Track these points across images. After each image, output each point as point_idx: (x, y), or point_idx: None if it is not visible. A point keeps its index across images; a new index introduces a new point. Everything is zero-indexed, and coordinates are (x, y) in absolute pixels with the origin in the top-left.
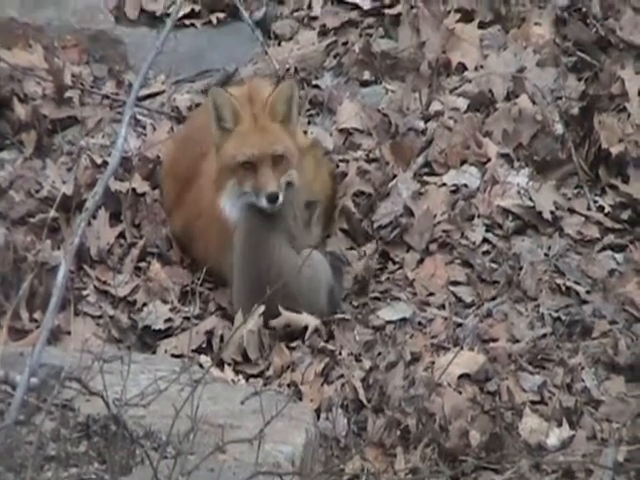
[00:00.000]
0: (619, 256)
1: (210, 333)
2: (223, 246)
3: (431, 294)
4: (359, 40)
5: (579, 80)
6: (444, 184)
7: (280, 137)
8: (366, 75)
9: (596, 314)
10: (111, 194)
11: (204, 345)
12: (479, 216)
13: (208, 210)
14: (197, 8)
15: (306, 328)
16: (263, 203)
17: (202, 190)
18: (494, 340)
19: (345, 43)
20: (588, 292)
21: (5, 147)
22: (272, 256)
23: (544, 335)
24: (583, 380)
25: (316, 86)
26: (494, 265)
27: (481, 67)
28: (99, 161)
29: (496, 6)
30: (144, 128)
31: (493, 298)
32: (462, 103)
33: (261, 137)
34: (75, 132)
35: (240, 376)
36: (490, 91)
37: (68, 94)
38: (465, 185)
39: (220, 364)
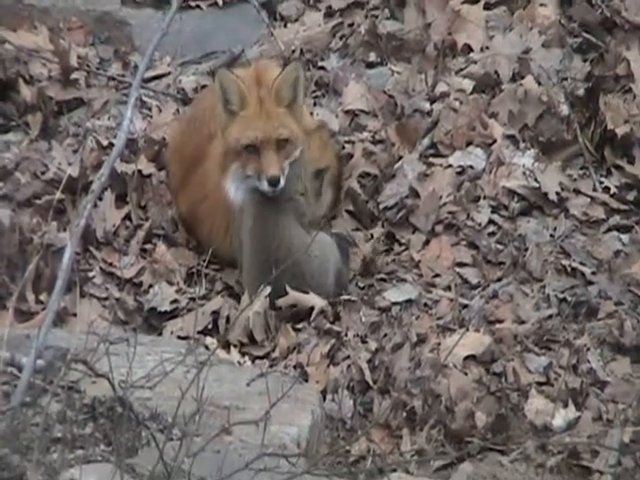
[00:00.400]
0: (625, 237)
1: (216, 313)
2: (228, 228)
3: (437, 275)
4: (365, 21)
5: (584, 61)
6: (450, 165)
7: (285, 121)
8: (372, 56)
9: (602, 295)
10: (117, 176)
11: (210, 326)
12: (485, 197)
13: (213, 192)
14: None
15: (312, 309)
16: (264, 186)
17: (207, 172)
18: (500, 321)
19: (351, 24)
20: (594, 273)
21: (11, 129)
22: (282, 236)
23: (550, 316)
24: (589, 361)
25: (322, 67)
26: (500, 246)
27: (487, 48)
28: (105, 143)
29: None
30: (150, 110)
31: (499, 279)
32: (468, 84)
33: (266, 121)
34: (81, 114)
35: (246, 357)
36: (496, 72)
37: (74, 76)
38: (471, 166)
39: (226, 346)
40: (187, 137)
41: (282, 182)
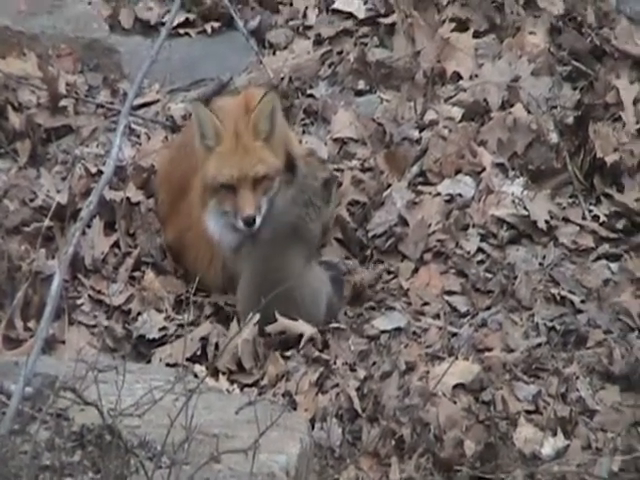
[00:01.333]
0: (614, 265)
1: (205, 340)
2: (212, 258)
3: (426, 303)
4: (354, 49)
5: (574, 89)
6: (439, 193)
7: (262, 156)
8: (361, 84)
9: (591, 323)
10: (105, 203)
11: (199, 353)
12: (474, 225)
13: (197, 223)
14: (192, 17)
15: (301, 336)
16: (240, 225)
17: (192, 203)
18: (489, 350)
19: (340, 52)
20: (583, 301)
21: None
22: (289, 270)
23: (539, 344)
24: (578, 390)
25: (311, 95)
26: (489, 275)
27: (476, 76)
28: (94, 170)
29: (491, 15)
30: (138, 137)
31: (488, 308)
32: (457, 112)
33: (242, 158)
34: (69, 141)
35: (235, 385)
36: (485, 100)
37: (62, 103)
38: (460, 194)
39: (215, 373)
40: (176, 165)
41: (258, 221)
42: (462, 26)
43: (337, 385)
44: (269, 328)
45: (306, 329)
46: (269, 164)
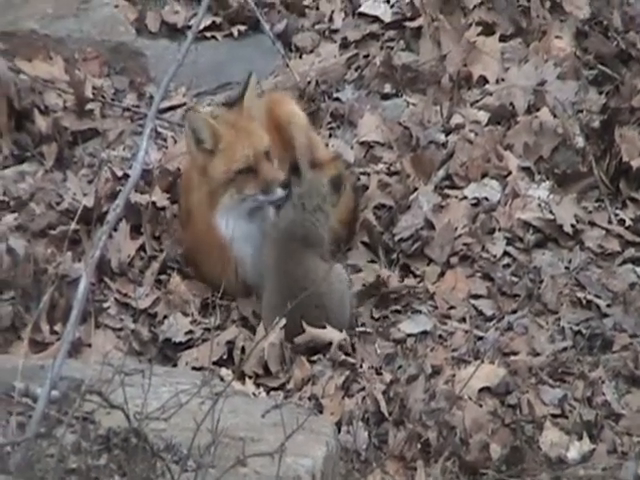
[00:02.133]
0: None
1: (231, 344)
2: (225, 265)
3: (452, 307)
4: (380, 53)
5: (600, 93)
6: (465, 197)
7: (263, 133)
8: (387, 88)
9: (617, 327)
10: (132, 207)
11: (225, 357)
12: (500, 229)
13: (207, 230)
14: (218, 20)
15: (330, 343)
16: (277, 194)
17: (198, 213)
18: (515, 353)
19: (366, 56)
20: (609, 305)
21: (26, 159)
22: (307, 268)
23: (565, 348)
24: (603, 393)
25: (337, 99)
26: (515, 278)
27: (502, 80)
28: (120, 173)
29: (517, 19)
30: (165, 141)
31: (514, 311)
32: (483, 116)
33: (249, 138)
34: (96, 144)
35: (261, 389)
36: (511, 104)
37: (89, 106)
38: (486, 198)
39: (241, 377)
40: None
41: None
42: (488, 30)
43: (363, 389)
44: (298, 339)
45: (335, 336)
46: (268, 138)
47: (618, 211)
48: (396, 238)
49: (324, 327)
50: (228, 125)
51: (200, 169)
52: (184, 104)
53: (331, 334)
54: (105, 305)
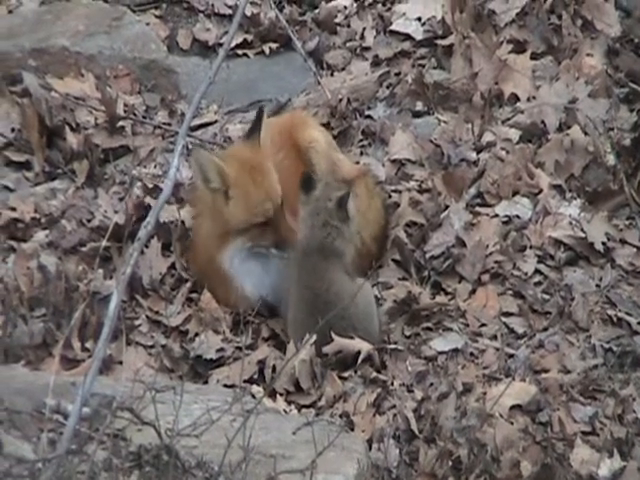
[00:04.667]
0: None
1: (262, 363)
2: (227, 296)
3: (483, 325)
4: (412, 71)
5: (631, 111)
6: (496, 215)
7: (276, 180)
8: (419, 106)
9: None
10: (162, 224)
11: (256, 375)
12: (531, 247)
13: (211, 262)
14: (250, 38)
15: (359, 354)
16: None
17: (204, 243)
18: (546, 371)
19: (398, 74)
20: (639, 323)
21: (57, 176)
22: (330, 283)
23: (595, 366)
24: (634, 411)
25: (369, 116)
26: (546, 296)
27: (533, 98)
28: (151, 190)
29: (548, 37)
30: None
31: (545, 329)
32: (514, 134)
33: (266, 189)
34: (127, 161)
35: (292, 406)
36: (542, 122)
37: (120, 123)
38: (517, 216)
39: (272, 394)
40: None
41: None
42: (520, 48)
43: (394, 406)
44: (326, 349)
45: (363, 346)
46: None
47: None
48: (427, 255)
49: (352, 338)
50: (240, 165)
51: (208, 206)
52: (215, 122)
53: (359, 345)
54: (136, 322)
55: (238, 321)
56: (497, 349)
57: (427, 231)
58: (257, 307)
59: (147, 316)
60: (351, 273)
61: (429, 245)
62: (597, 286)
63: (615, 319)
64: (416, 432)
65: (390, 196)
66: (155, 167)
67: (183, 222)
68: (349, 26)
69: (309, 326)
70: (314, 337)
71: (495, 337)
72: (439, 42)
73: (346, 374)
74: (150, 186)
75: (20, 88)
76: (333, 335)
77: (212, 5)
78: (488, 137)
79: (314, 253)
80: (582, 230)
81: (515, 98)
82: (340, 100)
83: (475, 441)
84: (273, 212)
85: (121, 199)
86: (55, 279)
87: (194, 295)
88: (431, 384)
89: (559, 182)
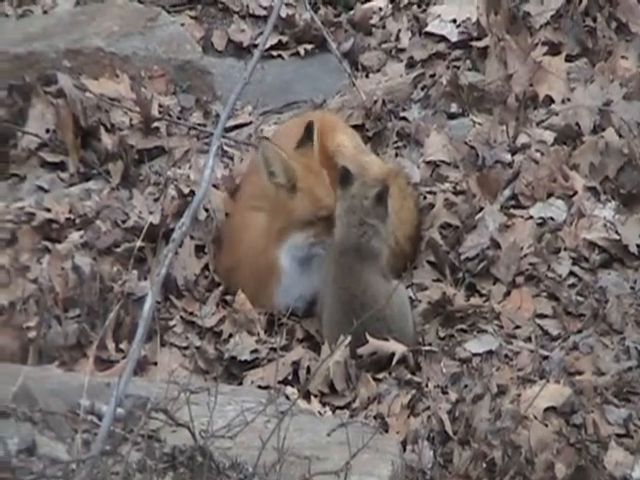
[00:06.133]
0: None
1: (296, 364)
2: (262, 294)
3: (517, 327)
4: (446, 72)
5: None
6: (531, 217)
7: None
8: (453, 107)
9: None
10: (197, 225)
11: (290, 376)
12: (565, 249)
13: (261, 256)
14: (284, 39)
15: (393, 355)
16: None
17: (257, 235)
18: (580, 373)
19: (432, 75)
20: None
21: (92, 177)
22: (367, 283)
23: (630, 368)
24: None
25: (403, 118)
26: (580, 298)
27: (568, 100)
28: (186, 191)
29: (583, 39)
30: (231, 159)
31: (579, 331)
32: (549, 136)
33: (328, 186)
34: (162, 162)
35: (327, 408)
36: (577, 124)
37: (155, 124)
38: (551, 218)
39: (307, 396)
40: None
41: None
42: (554, 50)
43: (429, 408)
44: (361, 350)
45: (397, 348)
46: None
47: None
48: (462, 257)
49: (387, 340)
50: (301, 162)
51: (271, 198)
52: (250, 123)
53: (394, 346)
54: (171, 323)
55: (272, 322)
56: (531, 351)
57: (462, 233)
58: (292, 308)
59: (181, 317)
60: (387, 274)
61: (464, 247)
62: (631, 288)
63: None
64: (450, 434)
65: (425, 197)
66: (190, 168)
67: (217, 225)
68: (384, 27)
69: (344, 327)
70: (349, 338)
71: (529, 339)
72: (474, 44)
73: (380, 376)
74: (185, 187)
75: (55, 89)
76: (368, 337)
77: (247, 6)
78: (523, 139)
79: (350, 253)
80: (616, 232)
81: (550, 100)
82: (375, 102)
83: (509, 443)
84: (334, 207)
85: (156, 200)
86: (89, 280)
87: (228, 296)
88: (465, 386)
89: (594, 184)
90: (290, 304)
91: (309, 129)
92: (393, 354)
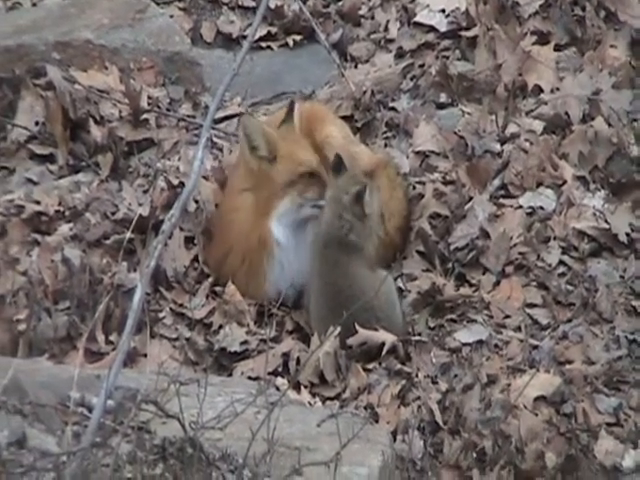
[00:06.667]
0: None
1: (286, 355)
2: (257, 271)
3: (507, 316)
4: (435, 62)
5: None
6: (520, 206)
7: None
8: (442, 97)
9: None
10: (186, 216)
11: (280, 368)
12: (555, 238)
13: (251, 235)
14: (273, 30)
15: (383, 345)
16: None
17: (245, 215)
18: (570, 362)
19: (422, 65)
20: None
21: (81, 169)
22: (352, 275)
23: (620, 357)
24: None
25: (393, 108)
26: (570, 287)
27: (557, 89)
28: (175, 183)
29: (572, 28)
30: (220, 150)
31: (569, 320)
32: (538, 125)
33: (308, 148)
34: (151, 154)
35: (316, 398)
36: (566, 113)
37: (144, 116)
38: (541, 207)
39: (296, 386)
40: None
41: None
42: (543, 39)
43: (419, 398)
44: (351, 340)
45: (387, 337)
46: None
47: None
48: (451, 247)
49: (376, 329)
50: (282, 135)
51: (254, 174)
52: (239, 114)
53: (383, 336)
54: (160, 315)
55: (262, 313)
56: (521, 340)
57: (451, 223)
58: (283, 296)
59: (171, 309)
60: (372, 265)
61: (453, 237)
62: (621, 277)
63: (639, 310)
64: (440, 424)
65: (414, 188)
66: (179, 160)
67: (206, 216)
68: (373, 18)
69: (331, 322)
70: (338, 329)
71: (519, 328)
72: (463, 34)
73: (370, 366)
74: (174, 178)
75: (44, 81)
76: (357, 327)
77: None
78: (512, 128)
79: (334, 246)
80: (606, 221)
81: (539, 89)
82: (364, 92)
83: (499, 432)
84: (317, 164)
85: (145, 192)
86: (79, 272)
87: (218, 288)
88: (455, 376)
89: (583, 173)
90: (282, 289)
91: (290, 108)
92: (383, 344)
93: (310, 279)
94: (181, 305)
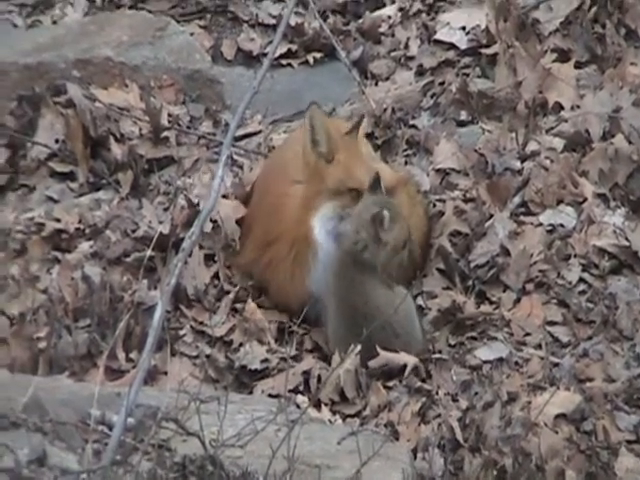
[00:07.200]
0: None
1: (307, 374)
2: (295, 274)
3: (527, 334)
4: (456, 80)
5: None
6: (540, 224)
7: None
8: (463, 115)
9: None
10: (206, 234)
11: (301, 386)
12: (575, 256)
13: (292, 229)
14: (294, 48)
15: (405, 367)
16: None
17: (288, 209)
18: (590, 380)
19: (442, 83)
20: None
21: (101, 187)
22: (369, 294)
23: None
24: None
25: (413, 126)
26: (590, 305)
27: (577, 107)
28: (195, 201)
29: (592, 46)
30: (241, 168)
31: (589, 338)
32: (558, 143)
33: (367, 167)
34: (171, 172)
35: (337, 416)
36: (586, 131)
37: (164, 134)
38: (561, 225)
39: (317, 404)
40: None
41: None
42: (564, 57)
43: (439, 415)
44: (372, 363)
45: (409, 360)
46: None
47: None
48: (472, 265)
49: (397, 351)
50: (345, 143)
51: (309, 168)
52: (260, 131)
53: (405, 358)
54: (181, 333)
55: (282, 331)
56: (542, 358)
57: (471, 240)
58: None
59: (191, 326)
60: (390, 284)
61: (473, 254)
62: None
63: None
64: (461, 441)
65: (434, 205)
66: (199, 178)
67: (226, 233)
68: (393, 35)
69: (350, 339)
70: (358, 347)
71: (540, 346)
72: (483, 51)
73: (391, 383)
74: (194, 196)
75: (64, 99)
76: (378, 349)
77: (256, 15)
78: (532, 146)
79: (350, 264)
80: (626, 239)
81: (559, 107)
82: (384, 110)
83: (520, 450)
84: (365, 187)
85: (165, 209)
86: (99, 290)
87: (238, 305)
88: (476, 393)
89: (603, 191)
90: (318, 294)
91: (358, 122)
92: (405, 365)
93: (327, 298)
94: (201, 323)
